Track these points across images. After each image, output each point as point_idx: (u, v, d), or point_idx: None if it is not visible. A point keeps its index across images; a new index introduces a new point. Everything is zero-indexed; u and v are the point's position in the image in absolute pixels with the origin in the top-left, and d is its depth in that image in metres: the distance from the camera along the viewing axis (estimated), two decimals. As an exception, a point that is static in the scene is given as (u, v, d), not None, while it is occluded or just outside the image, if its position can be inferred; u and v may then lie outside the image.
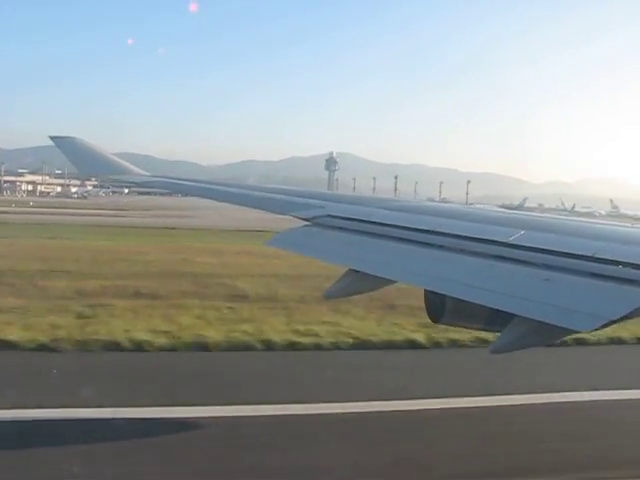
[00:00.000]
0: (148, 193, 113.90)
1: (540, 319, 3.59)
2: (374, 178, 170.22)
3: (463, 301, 4.31)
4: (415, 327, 12.72)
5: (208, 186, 9.41)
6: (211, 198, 8.88)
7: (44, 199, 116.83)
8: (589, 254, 3.83)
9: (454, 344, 12.06)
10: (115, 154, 11.11)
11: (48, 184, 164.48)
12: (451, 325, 5.54)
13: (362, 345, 12.01)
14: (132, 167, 10.25)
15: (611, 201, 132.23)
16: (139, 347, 11.11)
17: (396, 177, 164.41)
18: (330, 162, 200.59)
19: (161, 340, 11.44)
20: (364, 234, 5.59)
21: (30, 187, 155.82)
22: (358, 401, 8.95)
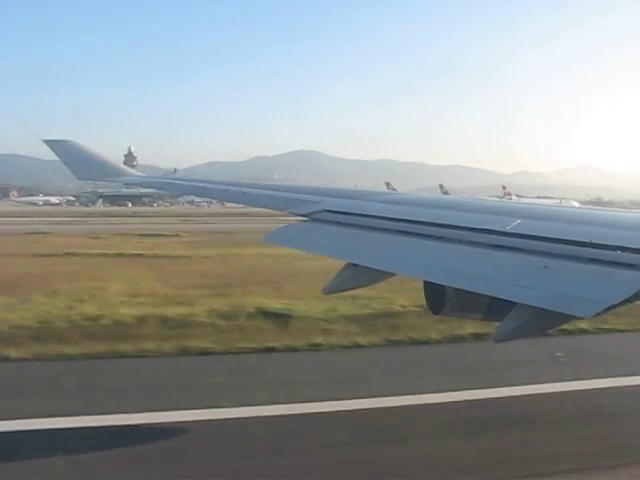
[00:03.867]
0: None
1: (540, 306, 3.64)
2: (329, 177, 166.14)
3: (463, 291, 4.36)
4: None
5: (203, 185, 9.21)
6: (207, 196, 8.76)
7: None
8: (586, 240, 3.89)
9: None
10: None
11: None
12: (452, 316, 5.57)
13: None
14: (128, 168, 10.15)
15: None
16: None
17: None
18: (129, 157, 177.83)
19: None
20: (361, 228, 5.56)
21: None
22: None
